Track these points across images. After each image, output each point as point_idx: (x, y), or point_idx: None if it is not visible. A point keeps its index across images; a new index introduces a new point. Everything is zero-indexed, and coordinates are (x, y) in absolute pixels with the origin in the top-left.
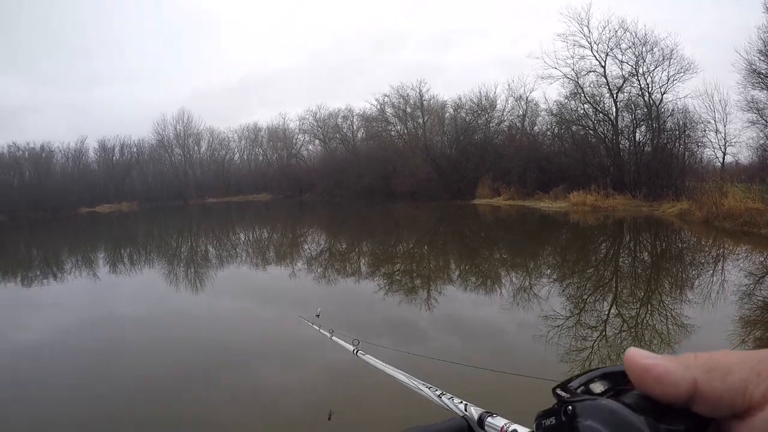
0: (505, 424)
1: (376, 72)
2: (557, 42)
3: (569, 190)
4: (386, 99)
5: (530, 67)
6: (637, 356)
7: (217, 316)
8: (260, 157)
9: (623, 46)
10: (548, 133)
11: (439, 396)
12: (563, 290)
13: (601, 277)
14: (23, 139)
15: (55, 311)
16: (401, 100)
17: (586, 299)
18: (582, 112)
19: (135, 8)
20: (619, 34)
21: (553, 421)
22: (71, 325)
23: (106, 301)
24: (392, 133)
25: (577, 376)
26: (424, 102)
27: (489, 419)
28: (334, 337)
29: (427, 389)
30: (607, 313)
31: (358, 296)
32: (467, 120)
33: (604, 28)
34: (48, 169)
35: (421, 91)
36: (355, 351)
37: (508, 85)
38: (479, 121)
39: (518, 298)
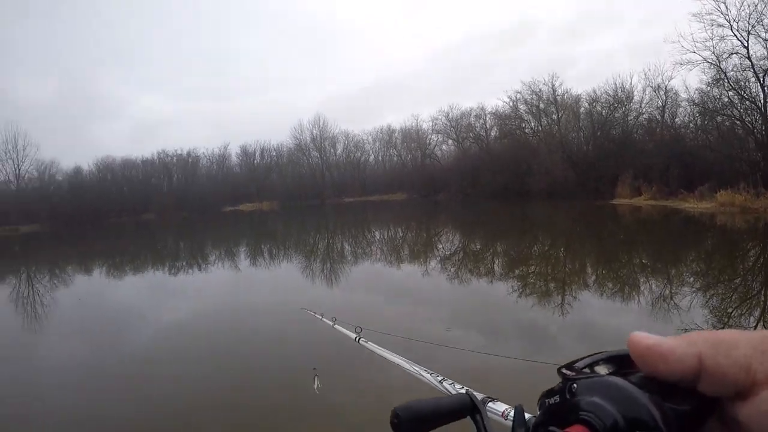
0: (506, 409)
1: (505, 68)
2: (693, 23)
3: (715, 189)
4: (518, 95)
5: (667, 52)
6: (641, 337)
7: (353, 310)
8: (394, 158)
9: (767, 21)
10: (690, 125)
11: (440, 381)
12: (706, 301)
13: (749, 288)
14: (171, 146)
15: (198, 298)
16: (534, 96)
17: (731, 313)
18: (726, 100)
19: (272, 22)
20: (759, 8)
21: (557, 399)
22: (215, 310)
23: (244, 291)
24: (526, 130)
25: (582, 358)
26: (558, 97)
27: (490, 404)
28: (336, 326)
29: (428, 375)
30: (753, 329)
31: (492, 298)
32: (603, 114)
33: (743, 2)
34: (194, 173)
35: (553, 85)
36: (357, 338)
37: (645, 74)
38: (616, 115)
39: (657, 308)
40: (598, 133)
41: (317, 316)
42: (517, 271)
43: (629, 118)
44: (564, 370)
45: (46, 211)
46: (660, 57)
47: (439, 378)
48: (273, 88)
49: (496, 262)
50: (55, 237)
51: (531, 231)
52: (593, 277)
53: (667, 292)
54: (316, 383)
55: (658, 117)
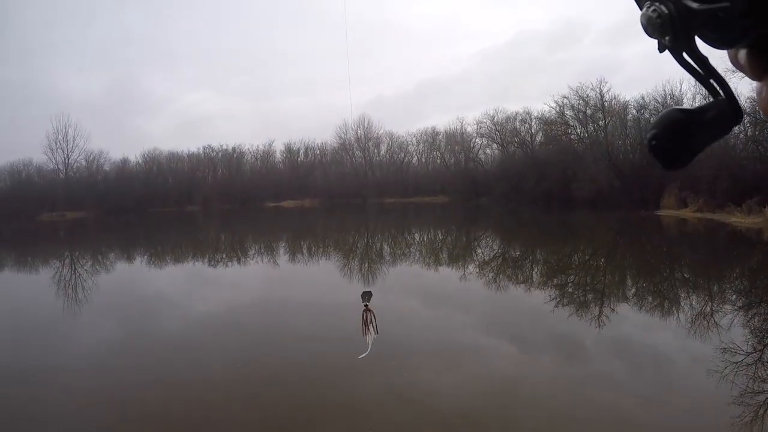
0: None
1: (552, 72)
2: (732, 79)
3: (765, 203)
4: (565, 101)
5: (718, 58)
6: None
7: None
8: (438, 160)
9: None
10: (741, 135)
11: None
12: (747, 321)
13: None
14: (217, 142)
15: (235, 290)
16: (581, 101)
17: None
18: None
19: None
20: None
21: None
22: (252, 302)
23: (282, 286)
24: (572, 136)
25: None
26: (605, 103)
27: None
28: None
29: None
30: None
31: (527, 306)
32: (652, 121)
33: None
34: (239, 168)
35: (601, 91)
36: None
37: (695, 81)
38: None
39: (696, 325)
40: (645, 142)
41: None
42: (555, 280)
43: None
44: None
45: (93, 199)
46: (711, 61)
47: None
48: (318, 88)
49: (535, 269)
50: (100, 224)
51: (573, 240)
52: (633, 290)
53: (708, 309)
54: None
55: None
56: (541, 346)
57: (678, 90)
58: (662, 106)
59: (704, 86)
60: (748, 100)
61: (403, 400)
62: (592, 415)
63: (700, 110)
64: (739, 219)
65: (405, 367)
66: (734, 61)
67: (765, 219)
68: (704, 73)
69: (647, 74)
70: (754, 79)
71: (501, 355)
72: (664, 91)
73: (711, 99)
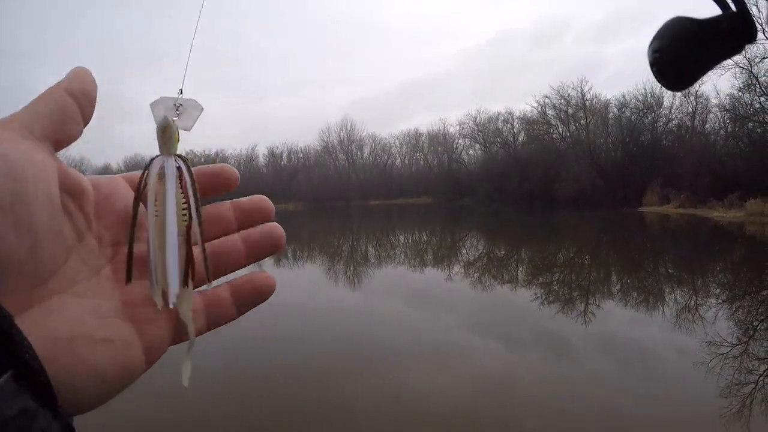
0: None
1: (534, 71)
2: None
3: (745, 198)
4: (546, 100)
5: None
6: None
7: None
8: (421, 162)
9: None
10: (721, 131)
11: None
12: (732, 313)
13: None
14: (199, 146)
15: None
16: (562, 100)
17: (757, 326)
18: (758, 106)
19: (297, 23)
20: None
21: None
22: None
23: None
24: (554, 135)
25: None
26: (586, 102)
27: None
28: None
29: None
30: None
31: (513, 305)
32: (633, 120)
33: None
34: None
35: (582, 90)
36: None
37: None
38: (645, 121)
39: (681, 319)
40: (627, 140)
41: None
42: (540, 279)
43: (658, 124)
44: None
45: None
46: None
47: None
48: (301, 91)
49: (520, 268)
50: None
51: (556, 239)
52: (618, 286)
53: (692, 303)
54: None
55: (688, 123)
56: (529, 343)
57: (659, 88)
58: (643, 104)
59: None
60: (727, 97)
61: (391, 402)
62: (582, 411)
63: (712, 21)
64: (720, 213)
65: (397, 368)
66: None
67: (746, 213)
68: None
69: (630, 72)
70: None
71: (490, 354)
72: (645, 89)
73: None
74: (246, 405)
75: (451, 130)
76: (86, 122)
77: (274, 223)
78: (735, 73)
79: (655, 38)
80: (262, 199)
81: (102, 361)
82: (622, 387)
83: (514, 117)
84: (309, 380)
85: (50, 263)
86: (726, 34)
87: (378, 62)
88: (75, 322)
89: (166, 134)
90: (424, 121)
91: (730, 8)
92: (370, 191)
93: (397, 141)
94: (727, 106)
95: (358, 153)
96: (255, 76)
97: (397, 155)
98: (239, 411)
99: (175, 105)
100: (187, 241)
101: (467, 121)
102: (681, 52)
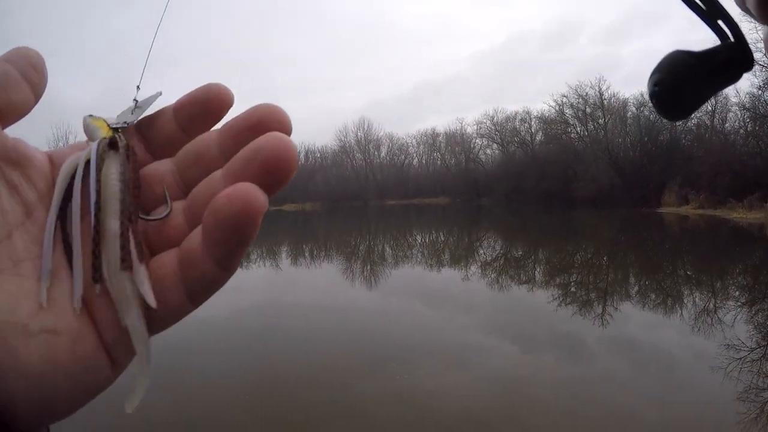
0: None
1: (551, 70)
2: (743, 23)
3: (766, 199)
4: (564, 100)
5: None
6: None
7: (383, 312)
8: (438, 162)
9: None
10: (741, 131)
11: None
12: (751, 317)
13: None
14: None
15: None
16: (580, 100)
17: None
18: None
19: (317, 24)
20: None
21: None
22: (253, 305)
23: (283, 289)
24: (572, 135)
25: None
26: (604, 101)
27: None
28: None
29: None
30: None
31: (530, 306)
32: (651, 119)
33: None
34: None
35: (600, 89)
36: None
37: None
38: (664, 120)
39: (700, 321)
40: (645, 139)
41: None
42: (558, 279)
43: (677, 123)
44: None
45: None
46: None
47: None
48: (318, 91)
49: (537, 269)
50: None
51: (574, 239)
52: (636, 288)
53: (711, 305)
54: None
55: (707, 122)
56: (545, 345)
57: None
58: None
59: (711, 28)
60: (747, 96)
61: (405, 401)
62: (596, 413)
63: (710, 53)
64: (740, 215)
65: (407, 368)
66: (741, 4)
67: (766, 214)
68: (712, 13)
69: (647, 71)
70: (763, 23)
71: (505, 355)
72: None
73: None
74: (258, 403)
75: (469, 129)
76: (36, 92)
77: (272, 132)
78: (755, 71)
79: (654, 72)
80: (260, 109)
81: (39, 358)
82: (638, 389)
83: (532, 116)
84: (323, 379)
85: None
86: (724, 66)
87: (391, 64)
88: (7, 308)
89: (88, 131)
90: (440, 121)
91: (728, 38)
92: (388, 191)
93: (414, 141)
94: (747, 105)
95: (376, 153)
96: (269, 76)
97: (414, 155)
98: (254, 410)
99: (131, 110)
100: (122, 216)
101: (484, 121)
102: (679, 85)
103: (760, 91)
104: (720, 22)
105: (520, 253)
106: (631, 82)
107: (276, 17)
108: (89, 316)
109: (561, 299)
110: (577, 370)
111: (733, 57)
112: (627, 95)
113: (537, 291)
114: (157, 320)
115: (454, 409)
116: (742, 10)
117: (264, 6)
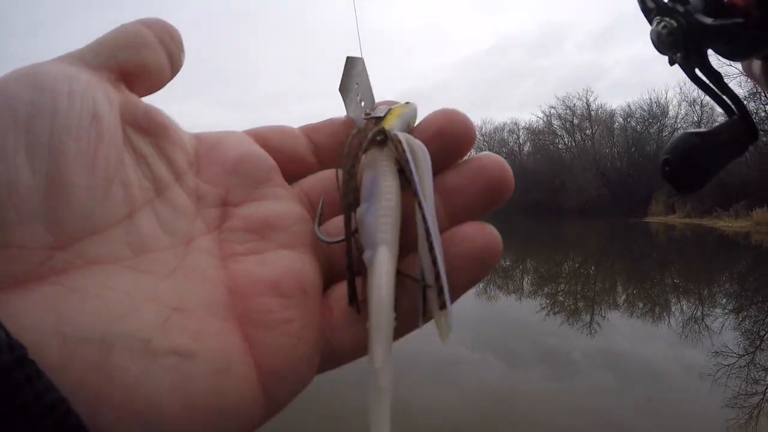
0: None
1: (534, 79)
2: (748, 101)
3: (751, 207)
4: (552, 111)
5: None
6: None
7: None
8: None
9: None
10: None
11: None
12: (738, 324)
13: None
14: None
15: None
16: (567, 111)
17: (764, 336)
18: (763, 114)
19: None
20: None
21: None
22: None
23: None
24: (560, 146)
25: None
26: (592, 112)
27: None
28: None
29: None
30: None
31: (518, 315)
32: (638, 130)
33: None
34: None
35: (588, 100)
36: None
37: (680, 88)
38: (651, 131)
39: (687, 329)
40: (633, 149)
41: None
42: (546, 289)
43: (664, 134)
44: None
45: None
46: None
47: None
48: (297, 100)
49: (526, 278)
50: None
51: (562, 248)
52: (623, 296)
53: (699, 313)
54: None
55: None
56: (534, 356)
57: (663, 98)
58: (648, 114)
59: (717, 103)
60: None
61: (396, 415)
62: (584, 423)
63: (715, 132)
64: (726, 223)
65: (396, 382)
66: (748, 71)
67: (752, 222)
68: (717, 90)
69: (633, 80)
70: None
71: (493, 366)
72: (650, 98)
73: (725, 118)
74: None
75: None
76: (173, 63)
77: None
78: (740, 82)
79: (663, 153)
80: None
81: (160, 391)
82: (626, 398)
83: (520, 127)
84: (308, 391)
85: (86, 212)
86: (728, 142)
87: (376, 73)
88: (117, 313)
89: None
90: None
91: (734, 112)
92: None
93: None
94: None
95: None
96: (250, 86)
97: None
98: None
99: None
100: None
101: None
102: (688, 165)
103: (746, 101)
104: (726, 98)
105: (509, 263)
106: (617, 90)
107: (256, 24)
108: (240, 331)
109: (549, 309)
110: (566, 380)
111: (738, 132)
112: (614, 105)
113: (525, 300)
114: (342, 356)
115: (446, 423)
116: (748, 76)
117: (242, 12)
